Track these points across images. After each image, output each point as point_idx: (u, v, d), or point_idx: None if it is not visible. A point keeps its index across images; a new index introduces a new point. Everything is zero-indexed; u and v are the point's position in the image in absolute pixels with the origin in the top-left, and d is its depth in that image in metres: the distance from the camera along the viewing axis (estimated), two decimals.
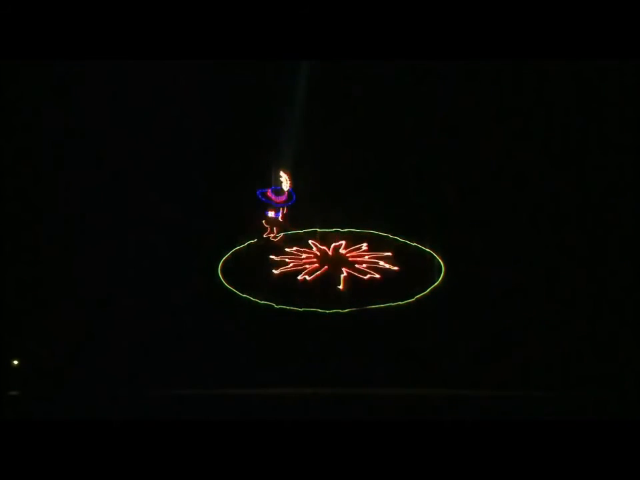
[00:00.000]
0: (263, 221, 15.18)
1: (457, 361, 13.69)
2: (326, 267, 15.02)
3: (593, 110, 14.26)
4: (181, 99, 14.66)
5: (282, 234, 15.23)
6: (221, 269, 15.01)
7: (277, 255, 15.16)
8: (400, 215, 15.06)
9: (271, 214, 15.19)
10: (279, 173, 15.13)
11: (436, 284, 14.63)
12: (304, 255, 15.23)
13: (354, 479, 7.50)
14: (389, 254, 14.96)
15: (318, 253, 15.24)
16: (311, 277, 14.90)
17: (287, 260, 15.14)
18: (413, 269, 14.87)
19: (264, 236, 15.17)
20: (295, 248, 15.29)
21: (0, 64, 12.58)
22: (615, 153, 14.15)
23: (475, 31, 10.40)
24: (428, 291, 14.59)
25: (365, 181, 15.15)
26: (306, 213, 15.26)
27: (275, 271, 14.99)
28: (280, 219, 15.17)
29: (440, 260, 14.82)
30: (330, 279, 14.94)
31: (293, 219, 15.33)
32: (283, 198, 15.10)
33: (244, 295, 14.79)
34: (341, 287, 14.76)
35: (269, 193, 15.12)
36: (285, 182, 15.11)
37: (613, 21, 9.86)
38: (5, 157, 14.28)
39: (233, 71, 14.39)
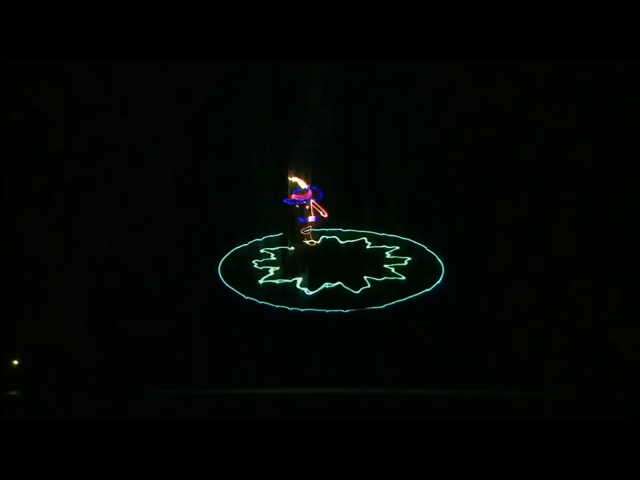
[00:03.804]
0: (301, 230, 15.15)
1: (458, 361, 13.69)
2: None
3: (593, 111, 14.24)
4: (176, 98, 14.68)
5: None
6: (220, 268, 15.03)
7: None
8: (401, 216, 15.05)
9: (310, 219, 15.12)
10: (289, 180, 15.10)
11: (435, 285, 14.63)
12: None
13: (354, 479, 7.51)
14: None
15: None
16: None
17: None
18: (414, 270, 14.88)
19: (306, 241, 15.15)
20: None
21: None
22: (618, 155, 14.13)
23: (479, 31, 10.41)
24: (429, 290, 14.59)
25: (365, 181, 15.16)
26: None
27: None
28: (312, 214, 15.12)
29: (440, 260, 14.82)
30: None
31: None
32: (309, 194, 15.07)
33: (243, 295, 14.81)
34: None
35: (294, 196, 15.08)
36: (301, 182, 15.07)
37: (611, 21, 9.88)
38: (6, 156, 14.34)
39: (236, 71, 14.46)
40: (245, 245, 15.26)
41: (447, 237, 14.78)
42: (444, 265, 14.75)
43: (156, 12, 10.04)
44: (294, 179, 15.08)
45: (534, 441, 8.04)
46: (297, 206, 15.07)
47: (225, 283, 14.97)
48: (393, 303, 14.50)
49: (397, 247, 15.01)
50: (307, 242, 15.10)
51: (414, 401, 11.42)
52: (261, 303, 14.76)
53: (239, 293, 14.87)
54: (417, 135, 14.90)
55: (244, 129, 14.97)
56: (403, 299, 14.52)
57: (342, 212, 15.26)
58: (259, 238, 15.29)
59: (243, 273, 15.02)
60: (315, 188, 15.08)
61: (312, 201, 15.05)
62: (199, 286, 14.70)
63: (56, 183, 14.80)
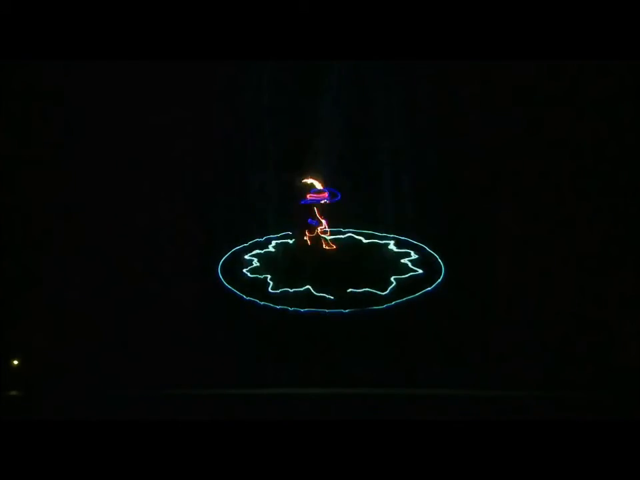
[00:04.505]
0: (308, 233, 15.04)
1: (458, 361, 13.69)
2: None
3: (591, 111, 14.25)
4: (179, 98, 14.70)
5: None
6: (220, 269, 15.03)
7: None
8: (402, 216, 15.06)
9: (324, 222, 15.01)
10: (302, 183, 15.03)
11: (435, 284, 14.61)
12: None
13: (354, 479, 7.51)
14: None
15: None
16: None
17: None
18: (414, 270, 14.89)
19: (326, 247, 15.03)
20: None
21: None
22: (613, 155, 14.15)
23: (489, 32, 10.45)
24: (430, 289, 14.58)
25: (367, 181, 15.17)
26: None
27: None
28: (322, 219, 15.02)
29: (440, 260, 14.81)
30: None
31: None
32: (325, 195, 15.00)
33: (243, 295, 14.81)
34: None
35: (311, 196, 15.00)
36: (316, 184, 15.02)
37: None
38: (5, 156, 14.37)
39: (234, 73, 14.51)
40: (245, 244, 15.27)
41: (448, 237, 14.78)
42: (444, 265, 14.74)
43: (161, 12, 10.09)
44: (309, 180, 15.02)
45: (534, 441, 8.04)
46: (314, 205, 14.95)
47: (225, 283, 14.96)
48: (393, 303, 14.49)
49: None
50: (325, 246, 15.04)
51: (414, 401, 11.44)
52: (262, 303, 14.75)
53: (239, 293, 14.86)
54: (418, 135, 14.92)
55: (250, 128, 15.02)
56: (403, 299, 14.52)
57: (342, 212, 15.27)
58: (259, 238, 15.32)
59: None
60: (332, 189, 15.02)
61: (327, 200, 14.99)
62: (199, 286, 14.70)
63: (56, 183, 14.79)
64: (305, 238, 15.03)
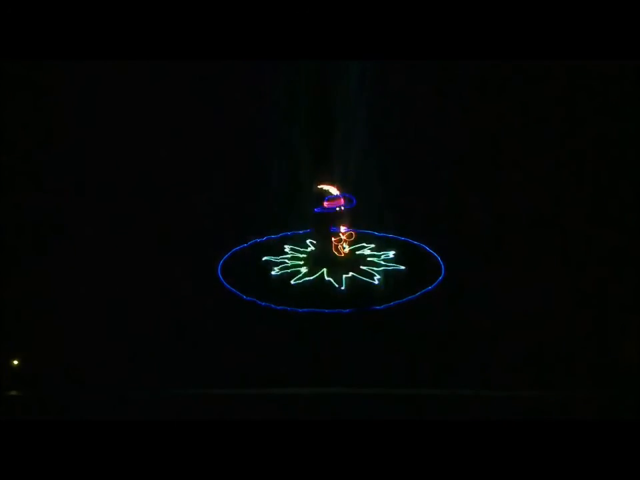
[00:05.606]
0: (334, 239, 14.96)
1: (458, 361, 13.68)
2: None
3: (591, 111, 14.28)
4: (186, 97, 14.77)
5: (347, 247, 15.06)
6: (220, 269, 15.04)
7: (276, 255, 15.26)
8: (403, 215, 15.07)
9: (343, 229, 14.91)
10: (318, 188, 14.91)
11: (435, 284, 14.63)
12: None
13: (354, 479, 7.52)
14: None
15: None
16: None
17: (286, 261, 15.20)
18: (414, 270, 14.91)
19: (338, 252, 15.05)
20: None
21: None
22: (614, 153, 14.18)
23: (497, 33, 10.49)
24: (429, 290, 14.60)
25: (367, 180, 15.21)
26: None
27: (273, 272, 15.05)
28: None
29: (440, 260, 14.83)
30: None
31: None
32: (341, 201, 14.84)
33: (244, 296, 14.81)
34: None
35: (326, 204, 14.84)
36: (332, 189, 14.90)
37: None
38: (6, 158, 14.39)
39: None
40: (244, 245, 15.28)
41: (448, 237, 14.81)
42: (444, 265, 14.76)
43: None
44: (325, 187, 14.87)
45: (534, 441, 8.05)
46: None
47: (225, 283, 14.96)
48: (393, 303, 14.50)
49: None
50: (340, 251, 14.99)
51: (414, 401, 11.43)
52: (263, 304, 14.75)
53: (239, 293, 14.87)
54: (419, 136, 14.95)
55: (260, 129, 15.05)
56: (403, 300, 14.53)
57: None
58: (259, 238, 15.34)
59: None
60: (347, 195, 14.89)
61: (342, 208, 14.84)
62: (199, 286, 14.71)
63: (56, 183, 14.81)
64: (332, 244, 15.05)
